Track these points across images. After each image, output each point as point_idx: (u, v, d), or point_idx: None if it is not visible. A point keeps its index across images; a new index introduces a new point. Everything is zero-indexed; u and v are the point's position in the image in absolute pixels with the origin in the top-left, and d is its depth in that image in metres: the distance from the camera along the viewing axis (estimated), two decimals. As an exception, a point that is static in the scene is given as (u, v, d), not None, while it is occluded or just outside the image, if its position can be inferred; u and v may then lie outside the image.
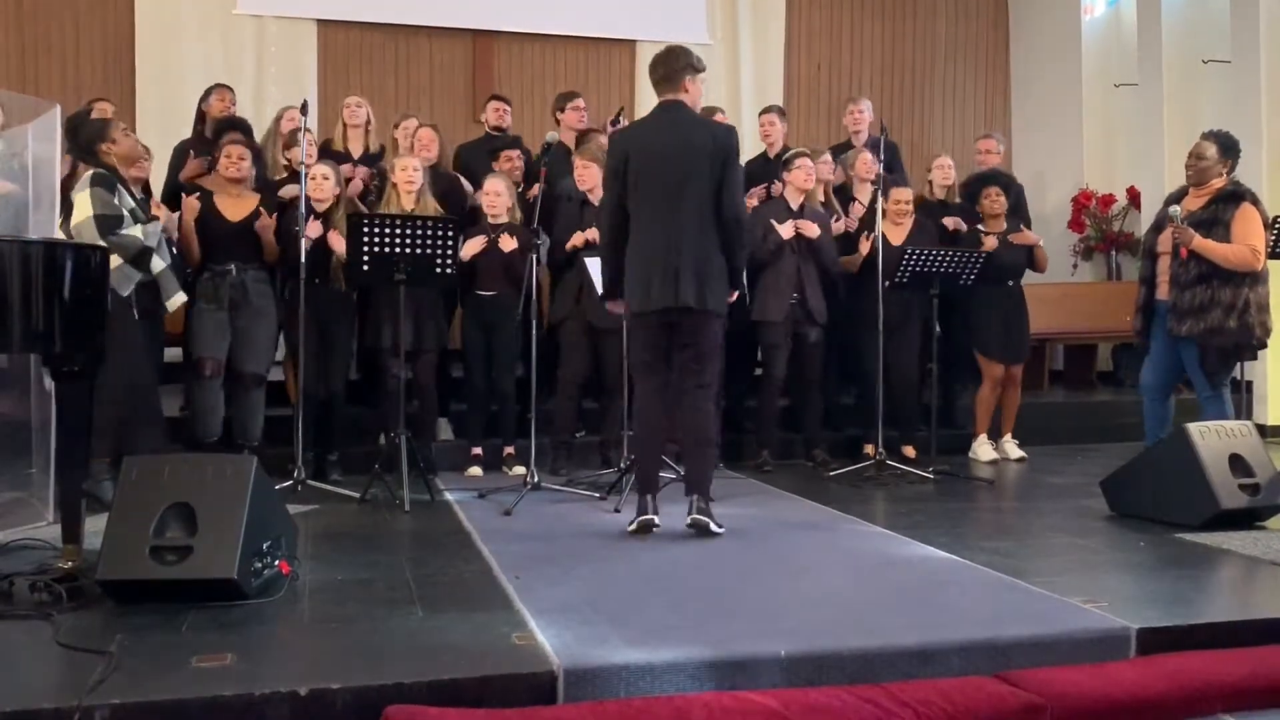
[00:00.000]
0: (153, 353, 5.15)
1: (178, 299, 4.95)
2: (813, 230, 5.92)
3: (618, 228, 4.39)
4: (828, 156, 6.47)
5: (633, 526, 4.35)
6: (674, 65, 4.35)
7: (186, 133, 6.65)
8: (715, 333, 4.39)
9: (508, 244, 5.64)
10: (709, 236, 4.28)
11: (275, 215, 5.43)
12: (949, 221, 6.46)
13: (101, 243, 4.42)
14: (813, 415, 6.28)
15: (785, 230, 5.88)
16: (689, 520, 4.28)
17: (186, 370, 5.53)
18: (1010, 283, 6.30)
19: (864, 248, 6.07)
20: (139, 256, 4.68)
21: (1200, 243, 5.11)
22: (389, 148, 6.57)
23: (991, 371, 6.34)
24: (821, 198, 6.33)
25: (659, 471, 4.49)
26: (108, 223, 4.57)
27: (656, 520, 4.33)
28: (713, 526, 4.29)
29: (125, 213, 4.64)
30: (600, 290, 4.83)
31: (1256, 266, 5.16)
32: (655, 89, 4.43)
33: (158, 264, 4.78)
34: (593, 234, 5.54)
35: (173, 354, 5.98)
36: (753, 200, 6.05)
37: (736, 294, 4.58)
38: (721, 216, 4.30)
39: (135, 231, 4.66)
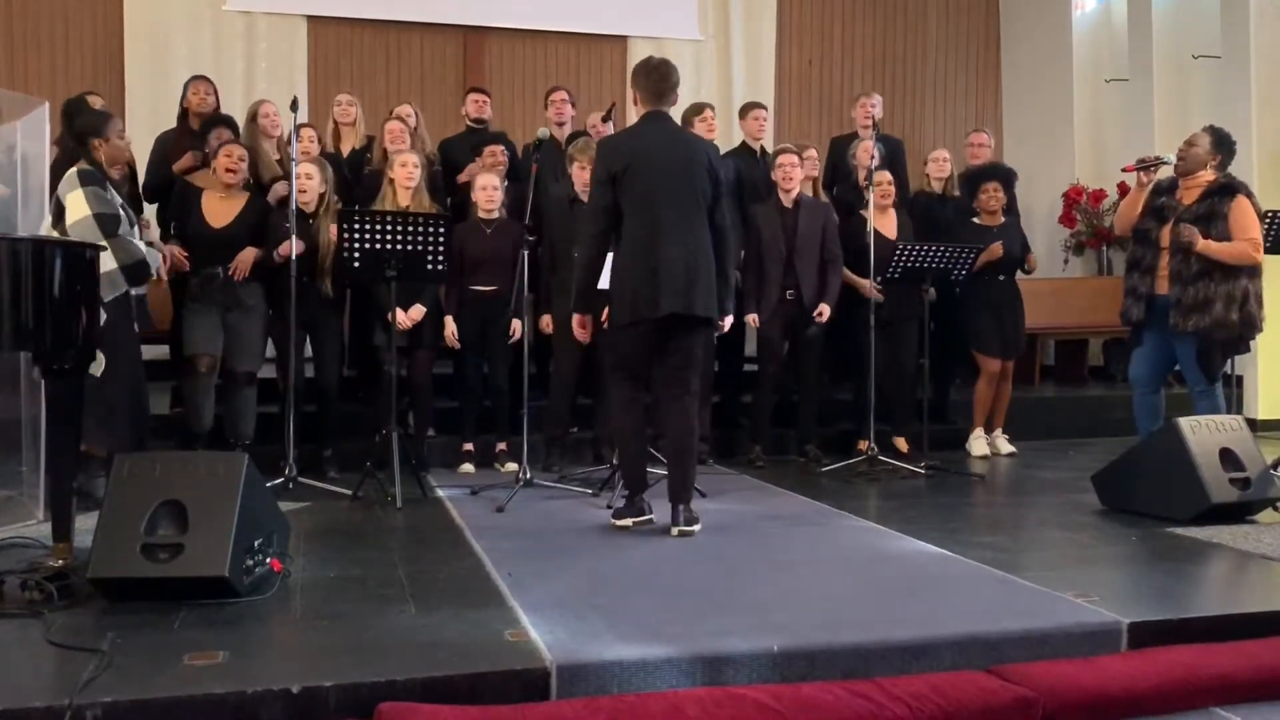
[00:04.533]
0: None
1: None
2: None
3: (606, 234, 4.37)
4: (813, 152, 6.47)
5: (627, 523, 4.39)
6: (672, 81, 4.41)
7: (176, 128, 6.62)
8: (708, 340, 4.51)
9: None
10: (710, 247, 4.36)
11: (264, 215, 5.41)
12: (995, 249, 6.29)
13: (102, 241, 4.40)
14: (807, 411, 6.28)
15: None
16: (677, 531, 4.28)
17: (179, 368, 5.50)
18: (1002, 277, 6.31)
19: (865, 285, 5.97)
20: (135, 267, 4.56)
21: (1204, 245, 5.10)
22: (378, 141, 6.52)
23: (988, 367, 6.34)
24: (810, 192, 6.33)
25: (647, 469, 4.53)
26: (108, 221, 4.49)
27: (655, 518, 4.40)
28: (696, 530, 4.34)
29: (121, 212, 4.61)
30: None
31: (1258, 259, 5.17)
32: (646, 98, 4.40)
33: (141, 289, 4.74)
34: None
35: (159, 351, 5.96)
36: None
37: (730, 318, 4.63)
38: (716, 229, 4.39)
39: (139, 241, 4.62)
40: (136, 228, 4.73)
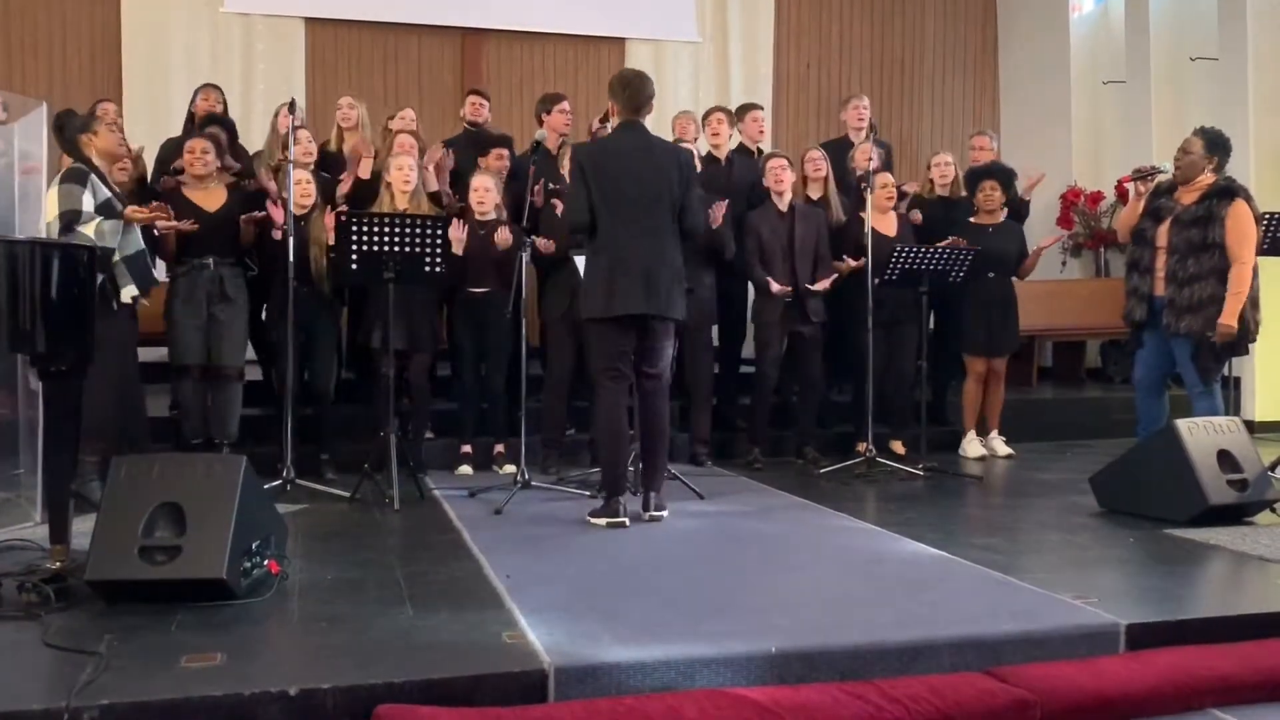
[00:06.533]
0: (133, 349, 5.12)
1: (128, 291, 4.80)
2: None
3: (584, 229, 4.62)
4: (817, 154, 6.46)
5: (602, 523, 4.49)
6: (647, 94, 4.65)
7: (173, 131, 6.62)
8: (673, 336, 4.74)
9: (504, 239, 5.61)
10: (678, 250, 4.61)
11: (254, 211, 5.41)
12: (913, 216, 6.47)
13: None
14: (807, 413, 6.28)
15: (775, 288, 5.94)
16: (648, 516, 4.55)
17: (172, 372, 5.50)
18: (992, 275, 6.27)
19: (844, 267, 6.06)
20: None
21: (1228, 315, 5.08)
22: (380, 144, 6.51)
23: (973, 366, 6.35)
24: (819, 194, 6.33)
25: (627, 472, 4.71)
26: (64, 219, 4.50)
27: (628, 522, 4.49)
28: (665, 515, 4.62)
29: (87, 208, 4.56)
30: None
31: (1248, 276, 5.15)
32: (622, 110, 4.65)
33: (115, 256, 4.70)
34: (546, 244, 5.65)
35: (157, 353, 5.95)
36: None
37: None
38: (686, 232, 4.64)
39: (88, 231, 4.55)
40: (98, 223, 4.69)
